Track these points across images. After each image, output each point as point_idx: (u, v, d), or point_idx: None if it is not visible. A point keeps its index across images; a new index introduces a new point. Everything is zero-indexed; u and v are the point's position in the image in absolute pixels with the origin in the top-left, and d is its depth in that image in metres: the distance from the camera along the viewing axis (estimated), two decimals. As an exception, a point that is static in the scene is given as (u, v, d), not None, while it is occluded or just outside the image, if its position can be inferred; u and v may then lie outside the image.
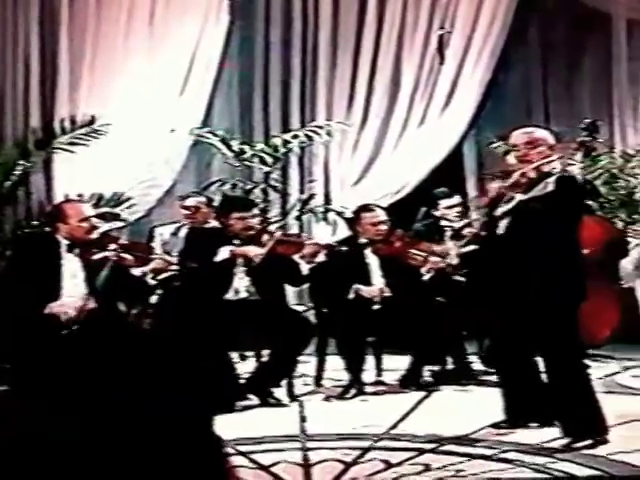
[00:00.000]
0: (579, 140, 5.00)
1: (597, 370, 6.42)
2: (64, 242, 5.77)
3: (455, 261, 6.56)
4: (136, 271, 6.01)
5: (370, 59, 9.14)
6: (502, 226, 5.00)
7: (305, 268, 6.32)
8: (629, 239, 8.57)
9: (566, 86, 9.82)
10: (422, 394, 6.15)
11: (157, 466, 2.22)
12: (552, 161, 4.92)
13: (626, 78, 9.73)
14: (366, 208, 6.75)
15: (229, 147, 8.58)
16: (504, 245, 5.02)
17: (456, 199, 6.98)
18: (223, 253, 6.07)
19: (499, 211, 5.01)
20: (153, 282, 6.42)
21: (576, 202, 5.01)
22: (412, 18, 9.21)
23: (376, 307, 6.38)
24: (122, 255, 5.78)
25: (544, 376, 5.07)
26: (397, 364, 6.56)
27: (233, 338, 6.03)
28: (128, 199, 8.45)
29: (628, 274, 8.67)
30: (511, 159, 5.10)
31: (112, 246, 5.76)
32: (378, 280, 6.51)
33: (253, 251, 6.11)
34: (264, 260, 6.07)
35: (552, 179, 4.86)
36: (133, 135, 8.58)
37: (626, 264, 8.65)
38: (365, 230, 6.58)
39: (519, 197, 4.94)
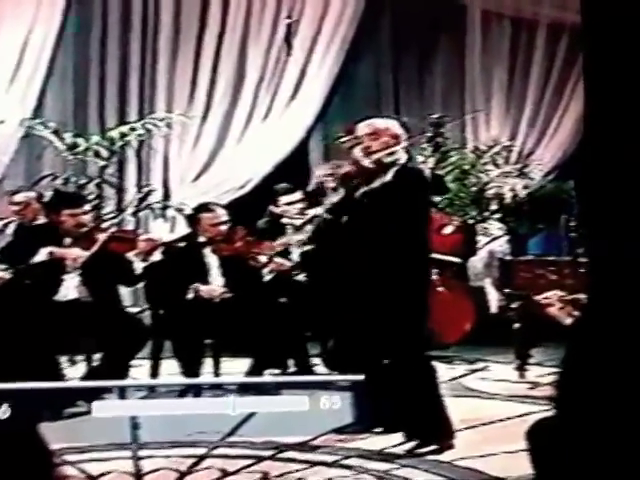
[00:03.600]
0: (427, 135, 5.12)
1: (444, 372, 6.58)
2: None
3: (297, 260, 6.62)
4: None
5: (214, 48, 9.17)
6: (343, 222, 5.05)
7: (139, 267, 6.26)
8: (479, 237, 8.82)
9: (418, 79, 10.04)
10: (262, 398, 6.17)
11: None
12: (394, 152, 5.01)
13: (479, 71, 10.01)
14: (205, 208, 6.74)
15: (62, 140, 8.44)
16: (346, 241, 5.08)
17: (297, 195, 7.02)
18: (41, 255, 5.96)
19: (331, 203, 5.05)
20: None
21: (416, 195, 5.05)
22: (259, 5, 9.28)
23: (214, 305, 6.38)
24: None
25: (391, 378, 5.17)
26: (236, 367, 6.58)
27: (62, 341, 5.93)
28: (-50, 192, 8.23)
29: (478, 273, 8.92)
30: (357, 152, 5.13)
31: None
32: (218, 280, 6.52)
33: (74, 254, 6.01)
34: (95, 258, 5.99)
35: (392, 171, 4.95)
36: (-43, 125, 8.37)
37: (476, 263, 8.89)
38: (205, 230, 6.57)
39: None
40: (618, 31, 2.71)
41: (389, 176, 4.95)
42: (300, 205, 6.86)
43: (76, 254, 6.01)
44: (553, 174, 10.06)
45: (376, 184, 4.98)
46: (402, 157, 5.03)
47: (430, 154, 5.14)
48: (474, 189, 8.90)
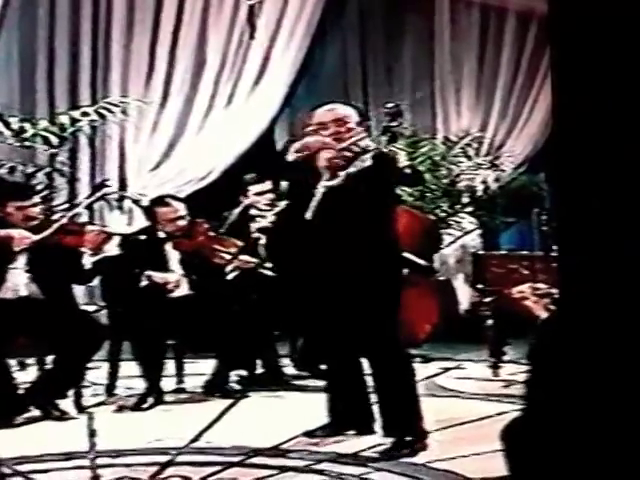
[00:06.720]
0: (383, 125, 5.10)
1: (417, 371, 6.57)
2: None
3: (264, 254, 6.58)
4: None
5: (172, 29, 9.07)
6: (311, 213, 4.98)
7: (90, 261, 6.12)
8: (451, 231, 8.84)
9: (386, 65, 10.06)
10: (228, 402, 6.14)
11: None
12: (363, 138, 4.97)
13: (449, 59, 10.04)
14: (161, 201, 6.64)
15: (7, 125, 8.29)
16: (315, 234, 5.01)
17: (267, 185, 6.97)
18: None
19: (314, 197, 4.97)
20: None
21: (391, 182, 5.03)
22: (220, -16, 9.19)
23: (176, 303, 6.31)
24: None
25: (365, 378, 5.15)
26: (201, 369, 6.55)
27: (11, 343, 5.82)
28: None
29: (449, 267, 8.94)
30: (314, 139, 5.04)
31: None
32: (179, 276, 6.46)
33: (20, 234, 5.88)
34: (46, 253, 5.88)
35: (368, 155, 4.88)
36: None
37: (447, 257, 8.91)
38: (162, 224, 6.49)
39: (327, 182, 4.92)
40: (585, 21, 2.70)
41: (367, 161, 4.88)
42: (270, 195, 6.81)
43: (22, 235, 5.86)
44: (524, 166, 10.14)
45: (352, 169, 4.90)
46: (370, 143, 4.99)
47: (386, 144, 5.07)
48: (445, 181, 8.95)
